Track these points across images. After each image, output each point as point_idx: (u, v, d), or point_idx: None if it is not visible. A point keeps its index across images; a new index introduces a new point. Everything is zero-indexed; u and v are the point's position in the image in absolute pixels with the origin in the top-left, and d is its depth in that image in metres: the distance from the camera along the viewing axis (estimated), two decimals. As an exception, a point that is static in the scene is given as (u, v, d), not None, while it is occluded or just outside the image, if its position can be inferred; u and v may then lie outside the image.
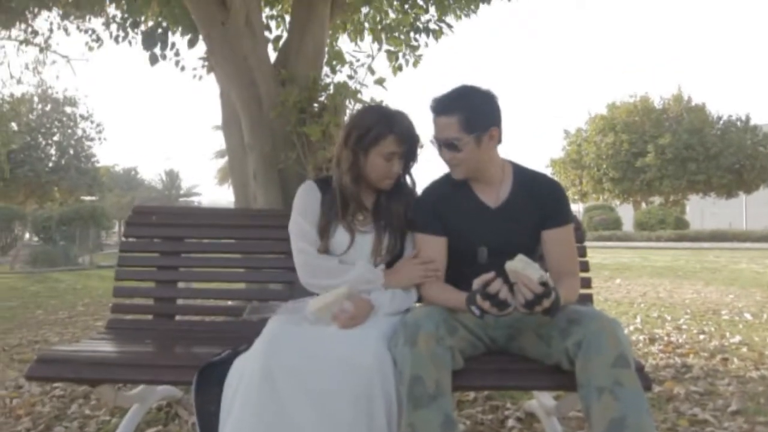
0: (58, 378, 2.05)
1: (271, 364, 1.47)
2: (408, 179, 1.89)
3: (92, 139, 26.20)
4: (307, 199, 1.85)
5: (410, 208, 1.83)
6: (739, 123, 27.71)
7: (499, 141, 1.74)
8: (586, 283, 2.21)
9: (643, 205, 29.47)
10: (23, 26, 6.84)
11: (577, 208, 32.58)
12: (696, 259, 12.43)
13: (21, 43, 7.87)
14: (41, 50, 7.61)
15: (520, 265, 1.45)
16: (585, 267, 2.21)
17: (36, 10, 5.49)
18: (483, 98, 1.70)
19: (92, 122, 26.13)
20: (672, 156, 26.42)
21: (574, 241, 1.82)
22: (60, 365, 1.76)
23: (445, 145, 1.69)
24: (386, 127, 1.75)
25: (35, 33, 7.06)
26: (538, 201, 1.76)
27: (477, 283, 1.48)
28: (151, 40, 4.64)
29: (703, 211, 33.59)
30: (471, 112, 1.66)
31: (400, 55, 4.60)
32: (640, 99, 29.24)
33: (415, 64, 4.70)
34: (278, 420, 1.44)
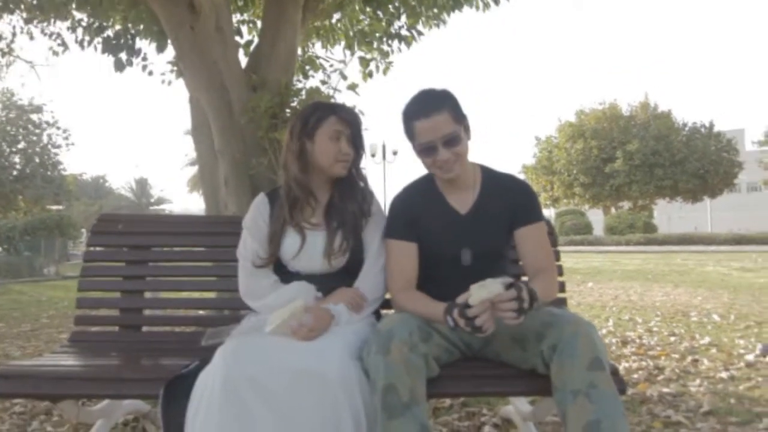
0: (18, 394, 1.95)
1: (233, 375, 1.42)
2: (361, 177, 1.87)
3: (59, 147, 25.49)
4: (254, 213, 1.85)
5: (365, 205, 1.82)
6: (703, 129, 28.57)
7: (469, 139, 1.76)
8: (560, 287, 2.21)
9: (613, 210, 30.09)
10: (-16, 30, 6.63)
11: (548, 213, 33.07)
12: (665, 262, 12.71)
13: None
14: (3, 54, 7.36)
15: (483, 293, 1.42)
16: (559, 271, 2.21)
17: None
18: (450, 92, 1.74)
19: (59, 129, 25.46)
20: (640, 162, 27.06)
21: (548, 239, 1.81)
22: (19, 381, 1.68)
23: (446, 142, 1.65)
24: (328, 109, 1.80)
25: (-2, 37, 6.85)
26: (508, 202, 1.75)
27: (460, 299, 1.46)
28: (114, 46, 4.54)
29: (670, 215, 34.50)
30: (454, 103, 1.70)
31: (371, 61, 4.60)
32: (608, 106, 29.90)
33: (385, 71, 4.72)
34: (241, 428, 1.39)
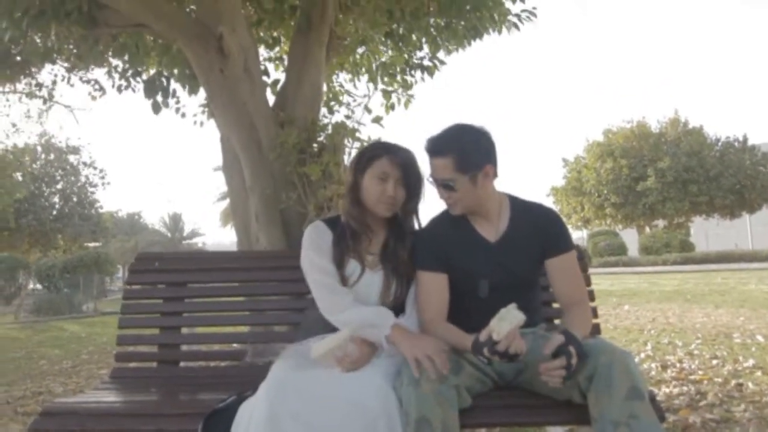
0: (63, 431, 2.01)
1: (277, 409, 1.45)
2: (415, 222, 1.89)
3: (95, 186, 26.42)
4: (316, 236, 1.84)
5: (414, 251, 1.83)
6: (737, 144, 27.89)
7: (495, 176, 1.76)
8: (593, 312, 2.18)
9: (647, 229, 29.41)
10: (28, 79, 7.00)
11: (580, 234, 32.53)
12: (704, 281, 12.33)
13: (26, 95, 8.04)
14: (45, 101, 7.74)
15: (505, 326, 1.43)
16: (591, 296, 2.19)
17: (41, 64, 5.63)
18: (476, 137, 1.71)
19: (95, 168, 26.41)
20: (672, 179, 26.50)
21: (578, 268, 1.81)
22: (64, 418, 1.74)
23: (441, 185, 1.72)
24: (381, 149, 1.82)
25: (39, 85, 7.22)
26: (537, 231, 1.76)
27: (483, 335, 1.46)
28: (152, 89, 4.75)
29: (707, 232, 33.49)
30: (464, 152, 1.68)
31: (393, 94, 4.69)
32: (636, 124, 29.52)
33: (406, 105, 4.79)
34: None
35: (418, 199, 1.85)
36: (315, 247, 1.82)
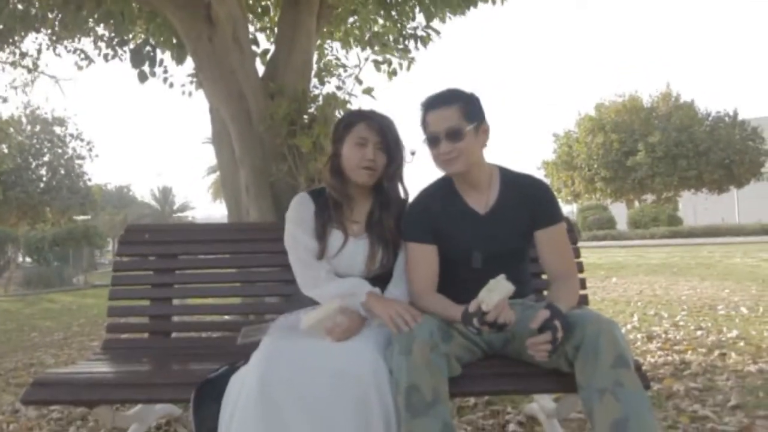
0: (55, 401, 2.02)
1: (268, 378, 1.46)
2: (401, 189, 1.89)
3: (83, 158, 26.06)
4: (300, 209, 1.87)
5: (400, 221, 1.84)
6: (727, 118, 27.95)
7: (487, 139, 1.78)
8: (581, 283, 2.21)
9: (636, 203, 29.61)
10: (11, 48, 6.83)
11: (570, 208, 32.71)
12: (690, 255, 12.49)
13: (10, 65, 7.85)
14: (29, 71, 7.58)
15: (494, 297, 1.45)
16: (579, 268, 2.21)
17: (24, 32, 5.49)
18: (473, 95, 1.76)
19: (82, 140, 26.02)
20: (662, 154, 26.59)
21: (568, 240, 1.83)
22: (56, 388, 1.75)
23: (447, 135, 1.69)
24: (357, 115, 1.85)
25: (23, 54, 7.05)
26: (526, 203, 1.77)
27: (472, 306, 1.48)
28: (139, 58, 4.66)
29: (695, 207, 33.81)
30: (468, 103, 1.72)
31: (394, 60, 4.62)
32: (628, 98, 29.45)
33: (408, 68, 4.72)
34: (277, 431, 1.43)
35: (399, 164, 1.86)
36: (297, 222, 1.84)
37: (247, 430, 1.45)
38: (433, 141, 1.72)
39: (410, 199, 1.90)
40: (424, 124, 1.75)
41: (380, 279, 1.81)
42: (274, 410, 1.44)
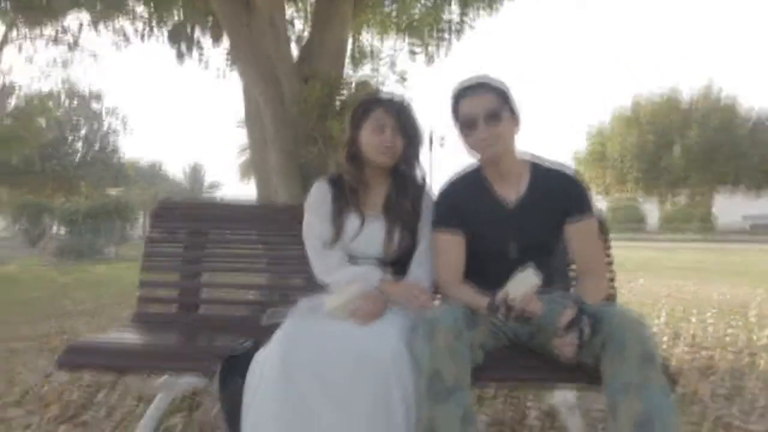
0: (88, 366, 2.08)
1: (289, 358, 1.49)
2: (418, 172, 1.90)
3: (118, 133, 26.63)
4: (317, 196, 1.91)
5: (419, 202, 1.86)
6: (768, 121, 27.02)
7: (518, 132, 1.77)
8: (610, 281, 2.18)
9: (668, 201, 28.92)
10: (54, 24, 6.99)
11: (601, 204, 32.17)
12: (723, 256, 12.18)
13: (52, 41, 8.05)
14: (70, 48, 7.76)
15: (520, 289, 1.45)
16: (609, 263, 2.19)
17: (66, 9, 5.61)
18: (506, 86, 1.76)
19: (117, 116, 26.57)
20: (698, 155, 25.87)
21: (598, 236, 1.80)
22: (90, 354, 1.81)
23: (486, 118, 1.68)
24: (375, 101, 1.85)
25: (65, 31, 7.22)
26: (557, 195, 1.74)
27: (499, 296, 1.48)
28: (177, 37, 4.72)
29: (730, 208, 32.87)
30: (506, 91, 1.73)
31: (431, 48, 4.60)
32: (666, 96, 28.64)
33: (446, 54, 4.70)
34: (298, 413, 1.46)
35: (417, 147, 1.87)
36: (313, 210, 1.89)
37: (268, 408, 1.47)
38: (470, 124, 1.71)
39: (427, 182, 1.92)
40: (457, 110, 1.74)
41: (399, 263, 1.82)
42: (294, 390, 1.46)
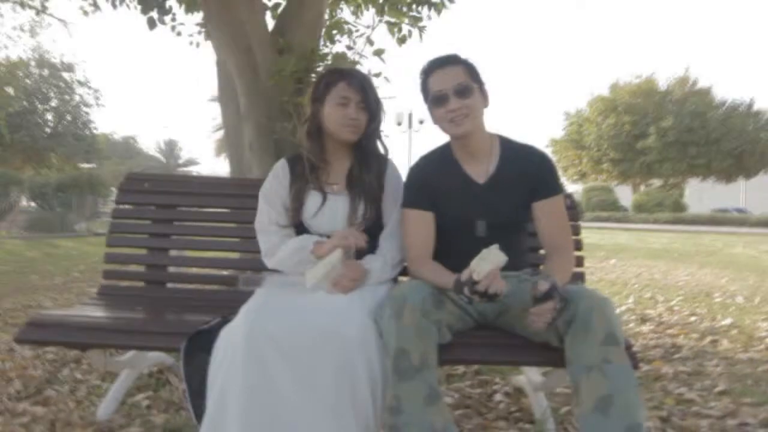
0: (48, 342, 2.03)
1: (255, 332, 1.47)
2: (380, 146, 1.90)
3: (90, 106, 25.95)
4: (273, 181, 1.90)
5: (382, 176, 1.85)
6: (742, 107, 27.56)
7: (487, 106, 1.77)
8: (579, 261, 2.20)
9: (642, 187, 29.47)
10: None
11: (576, 188, 32.61)
12: (692, 242, 12.48)
13: (19, 5, 7.73)
14: (37, 12, 7.47)
15: (486, 266, 1.43)
16: (578, 246, 2.21)
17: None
18: (472, 61, 1.76)
19: (90, 88, 25.85)
20: (674, 139, 26.33)
21: (566, 214, 1.80)
22: (50, 329, 1.76)
23: (456, 92, 1.67)
24: (337, 74, 1.82)
25: (31, -6, 6.94)
26: (525, 173, 1.74)
27: (464, 275, 1.47)
28: (148, 4, 4.55)
29: (701, 195, 33.64)
30: (471, 65, 1.73)
31: (404, 26, 4.50)
32: (644, 80, 28.98)
33: (420, 36, 4.61)
34: (263, 388, 1.44)
35: (378, 121, 1.86)
36: (265, 197, 1.89)
37: (233, 382, 1.46)
38: (441, 99, 1.69)
39: (390, 157, 1.92)
40: (427, 87, 1.73)
41: (367, 233, 1.79)
42: (259, 365, 1.45)
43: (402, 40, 4.56)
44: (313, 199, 1.82)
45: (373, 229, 1.82)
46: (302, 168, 1.86)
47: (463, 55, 1.75)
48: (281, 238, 1.82)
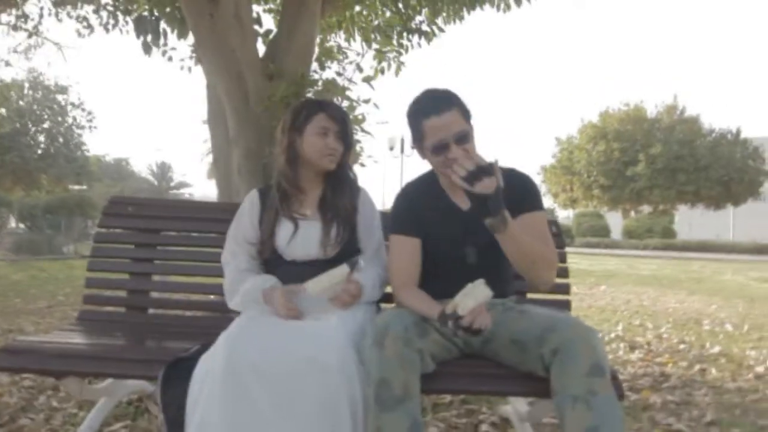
0: (23, 369, 2.00)
1: (235, 360, 1.44)
2: (350, 172, 1.95)
3: (82, 128, 25.93)
4: (241, 216, 1.93)
5: (356, 201, 1.89)
6: (729, 136, 28.00)
7: None
8: (565, 289, 2.19)
9: (633, 213, 29.69)
10: (13, 10, 6.75)
11: (566, 214, 32.79)
12: (681, 268, 12.52)
13: (11, 27, 7.76)
14: (30, 35, 7.51)
15: (469, 302, 1.43)
16: (565, 273, 2.20)
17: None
18: (454, 92, 1.74)
19: (83, 110, 25.87)
20: (662, 166, 26.63)
21: (548, 230, 1.76)
22: (25, 356, 1.72)
23: (458, 140, 1.65)
24: (316, 105, 1.87)
25: (25, 18, 6.96)
26: (510, 193, 1.72)
27: (449, 308, 1.45)
28: (143, 28, 4.58)
29: (691, 221, 33.92)
30: (461, 102, 1.71)
31: (384, 59, 4.56)
32: (633, 108, 29.44)
33: (396, 72, 4.66)
34: (243, 417, 1.41)
35: (351, 151, 1.94)
36: (232, 237, 1.92)
37: (213, 410, 1.42)
38: (441, 148, 1.66)
39: (360, 185, 1.96)
40: (419, 133, 1.69)
41: (341, 260, 1.77)
42: (240, 392, 1.42)
43: (380, 72, 4.61)
44: (284, 227, 1.82)
45: (347, 251, 1.82)
46: (272, 199, 1.88)
47: (448, 91, 1.72)
48: (241, 274, 1.84)
